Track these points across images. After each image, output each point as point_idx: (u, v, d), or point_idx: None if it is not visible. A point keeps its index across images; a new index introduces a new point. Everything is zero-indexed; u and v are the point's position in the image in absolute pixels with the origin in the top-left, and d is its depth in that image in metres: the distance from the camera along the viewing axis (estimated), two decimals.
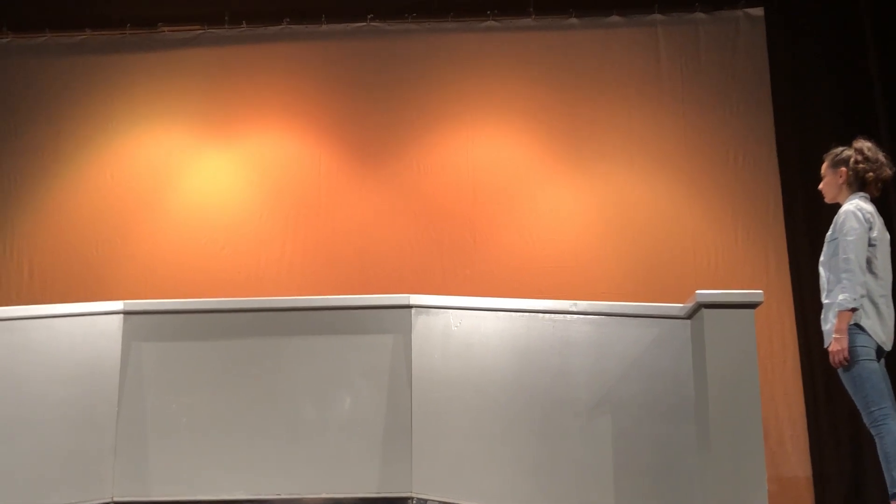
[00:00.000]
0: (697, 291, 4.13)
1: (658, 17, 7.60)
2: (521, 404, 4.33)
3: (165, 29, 7.83)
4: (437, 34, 7.72)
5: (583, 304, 4.40)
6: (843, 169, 4.91)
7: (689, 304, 4.13)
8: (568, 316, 4.35)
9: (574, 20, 7.67)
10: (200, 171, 7.68)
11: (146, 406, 4.25)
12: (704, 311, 4.03)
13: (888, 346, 4.71)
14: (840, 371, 4.64)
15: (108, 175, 7.69)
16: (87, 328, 4.33)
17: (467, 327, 4.45)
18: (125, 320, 4.33)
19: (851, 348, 4.53)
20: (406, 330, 4.42)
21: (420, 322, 4.43)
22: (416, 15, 7.71)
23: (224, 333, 4.30)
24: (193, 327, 4.31)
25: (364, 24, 7.76)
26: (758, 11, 7.55)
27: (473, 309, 4.49)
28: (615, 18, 7.65)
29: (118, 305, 4.35)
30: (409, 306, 4.47)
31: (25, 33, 7.93)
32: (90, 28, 7.90)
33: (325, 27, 7.76)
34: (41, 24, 7.92)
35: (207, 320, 4.32)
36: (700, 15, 7.60)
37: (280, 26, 7.78)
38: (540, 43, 7.66)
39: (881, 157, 4.92)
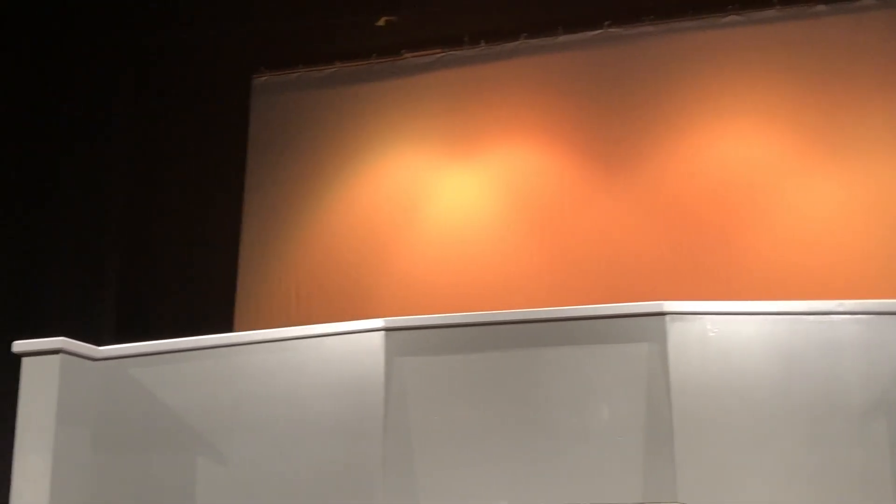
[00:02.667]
0: None
1: None
2: (787, 410, 4.15)
3: (408, 55, 8.11)
4: (676, 34, 7.58)
5: (850, 304, 4.18)
6: None
7: None
8: (834, 317, 4.14)
9: (821, 7, 7.33)
10: (448, 189, 7.88)
11: (410, 420, 4.38)
12: None
13: None
14: None
15: (363, 200, 8.03)
16: (352, 346, 4.50)
17: (725, 332, 4.32)
18: (386, 337, 4.46)
19: None
20: (661, 338, 4.34)
21: (675, 329, 4.35)
22: (653, 17, 7.60)
23: (482, 346, 4.37)
24: (452, 341, 4.40)
25: (601, 31, 7.73)
26: None
27: (731, 313, 4.36)
28: (867, 2, 7.23)
29: (379, 323, 4.49)
30: (663, 313, 4.39)
31: (280, 71, 8.42)
32: (339, 61, 8.29)
33: (561, 38, 7.79)
34: (294, 61, 8.38)
35: (465, 334, 4.40)
36: None
37: (517, 42, 7.88)
38: (785, 34, 7.36)
39: None
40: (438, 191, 7.92)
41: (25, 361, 4.35)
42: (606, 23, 7.70)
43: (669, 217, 7.34)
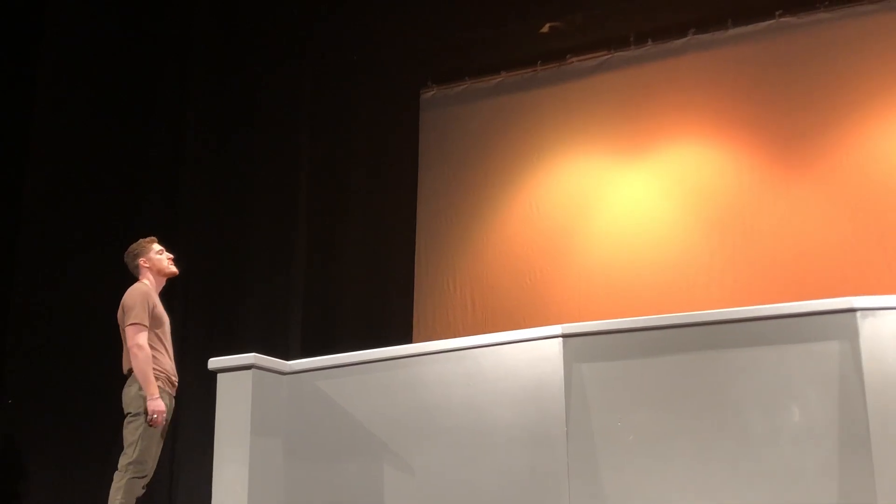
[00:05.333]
0: None
1: None
2: None
3: (574, 60, 8.08)
4: (854, 19, 7.26)
5: None
6: None
7: None
8: None
9: None
10: (620, 190, 7.80)
11: (593, 425, 4.35)
12: None
13: None
14: None
15: (532, 206, 8.05)
16: (530, 353, 4.50)
17: None
18: (564, 343, 4.44)
19: None
20: (852, 335, 4.16)
21: (867, 325, 4.16)
22: (828, 3, 7.30)
23: (662, 350, 4.30)
24: (632, 346, 4.35)
25: (773, 21, 7.49)
26: None
27: None
28: None
29: (556, 329, 4.48)
30: (854, 309, 4.20)
31: (447, 84, 8.54)
32: (504, 70, 8.34)
33: (731, 31, 7.60)
34: (461, 74, 8.48)
35: (645, 338, 4.34)
36: None
37: (686, 38, 7.73)
38: None
39: None
40: (611, 194, 7.85)
41: (220, 377, 4.55)
42: (778, 12, 7.45)
43: (854, 210, 7.03)
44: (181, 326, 5.49)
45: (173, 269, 5.43)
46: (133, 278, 5.39)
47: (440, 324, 8.07)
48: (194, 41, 8.09)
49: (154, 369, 5.09)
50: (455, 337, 4.96)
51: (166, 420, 5.11)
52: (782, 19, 7.47)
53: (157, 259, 5.38)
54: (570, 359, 4.40)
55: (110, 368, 5.37)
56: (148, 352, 5.08)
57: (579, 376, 4.39)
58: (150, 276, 5.36)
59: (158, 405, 5.02)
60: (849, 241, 6.98)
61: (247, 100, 8.21)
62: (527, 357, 4.47)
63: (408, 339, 7.91)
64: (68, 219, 7.42)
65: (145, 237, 5.46)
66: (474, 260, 8.14)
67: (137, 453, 5.00)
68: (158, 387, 5.06)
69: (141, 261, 5.37)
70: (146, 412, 5.01)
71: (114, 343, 5.29)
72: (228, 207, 8.10)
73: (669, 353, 4.30)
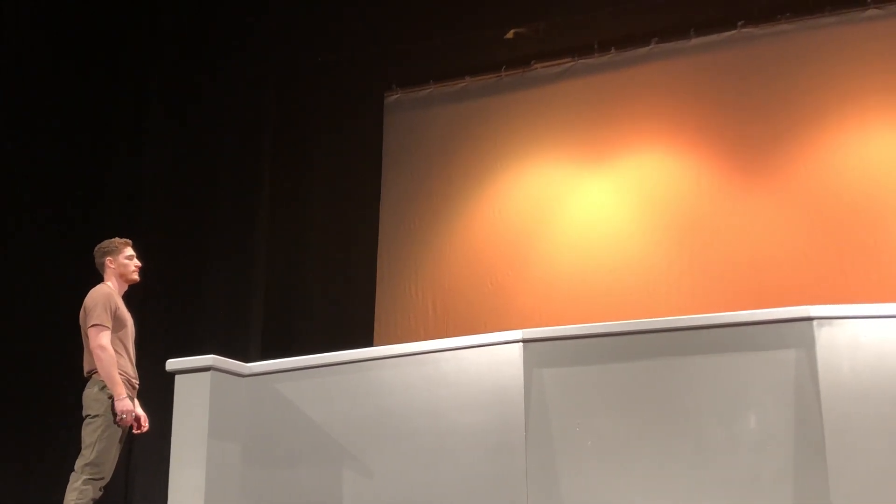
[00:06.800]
0: None
1: None
2: None
3: (538, 66, 8.11)
4: (814, 31, 7.35)
5: None
6: None
7: None
8: None
9: None
10: (581, 197, 7.84)
11: (552, 430, 4.36)
12: None
13: None
14: None
15: (494, 211, 8.07)
16: (491, 357, 4.51)
17: (878, 337, 4.16)
18: (524, 348, 4.46)
19: None
20: (809, 343, 4.21)
21: (823, 334, 4.21)
22: (789, 14, 7.39)
23: (621, 356, 4.33)
24: (591, 351, 4.37)
25: (734, 31, 7.56)
26: None
27: (883, 317, 4.19)
28: None
29: (517, 335, 4.50)
30: (810, 318, 4.25)
31: (412, 88, 8.54)
32: (469, 75, 8.36)
33: (694, 41, 7.66)
34: (425, 78, 8.49)
35: (604, 344, 4.36)
36: None
37: (649, 47, 7.79)
38: None
39: None
40: (573, 200, 7.88)
41: (178, 379, 4.52)
42: (740, 23, 7.53)
43: (812, 219, 7.12)
44: (140, 327, 5.44)
45: (136, 277, 5.39)
46: (98, 275, 5.34)
47: (401, 328, 8.06)
48: (157, 43, 8.06)
49: None
50: (416, 341, 4.95)
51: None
52: (744, 30, 7.55)
53: (124, 263, 5.34)
54: (530, 364, 4.42)
55: (72, 369, 5.32)
56: (111, 352, 5.03)
57: (539, 381, 4.41)
58: (114, 279, 5.32)
59: (126, 405, 4.98)
60: (806, 250, 7.07)
61: (209, 101, 8.18)
62: (487, 362, 4.48)
63: (369, 342, 7.89)
64: (28, 219, 7.35)
65: (121, 237, 5.42)
66: (436, 264, 8.15)
67: (95, 455, 4.96)
68: None
69: (108, 260, 5.33)
70: (113, 413, 4.97)
71: (77, 343, 5.24)
72: (189, 208, 8.05)
73: (628, 360, 4.32)
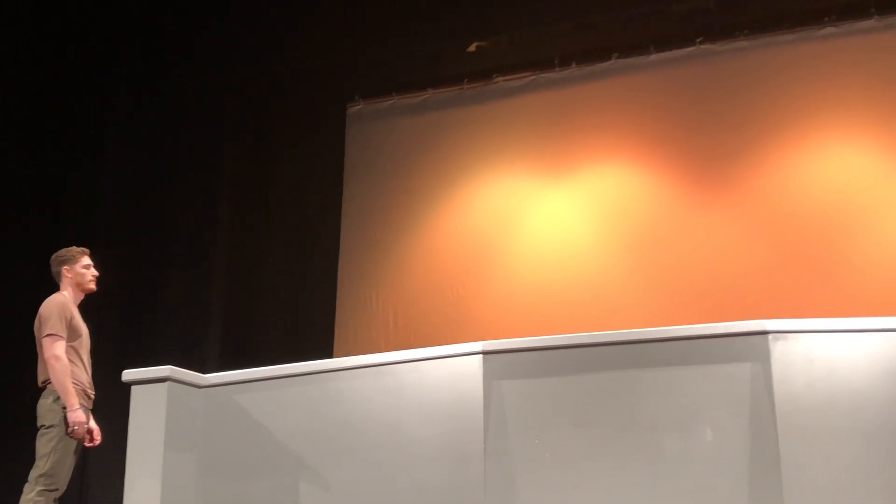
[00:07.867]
0: None
1: None
2: None
3: (500, 79, 8.15)
4: (772, 48, 7.45)
5: None
6: None
7: None
8: None
9: None
10: (542, 209, 7.88)
11: (510, 442, 4.37)
12: None
13: None
14: None
15: (456, 223, 8.08)
16: (450, 369, 4.52)
17: (832, 350, 4.22)
18: (484, 360, 4.47)
19: None
20: (764, 357, 4.25)
21: (778, 348, 4.26)
22: (747, 31, 7.49)
23: (581, 368, 4.35)
24: (550, 363, 4.39)
25: (693, 48, 7.65)
26: None
27: (837, 331, 4.25)
28: None
29: (477, 346, 4.51)
30: (766, 332, 4.30)
31: (374, 99, 8.55)
32: (431, 87, 8.38)
33: (653, 57, 7.74)
34: (388, 89, 8.50)
35: (564, 356, 4.38)
36: None
37: (609, 62, 7.85)
38: (885, 43, 7.17)
39: None
40: (533, 213, 7.92)
41: (134, 390, 4.48)
42: (699, 39, 7.62)
43: (769, 234, 7.20)
44: (96, 337, 5.39)
45: (92, 287, 5.34)
46: (54, 284, 5.28)
47: (362, 339, 8.04)
48: (117, 52, 8.01)
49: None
50: (376, 352, 4.94)
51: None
52: (703, 46, 7.63)
53: (81, 273, 5.28)
54: (489, 376, 4.43)
55: (27, 379, 5.25)
56: (66, 362, 4.98)
57: (499, 393, 4.42)
58: (70, 288, 5.26)
59: (79, 416, 4.93)
60: (764, 264, 7.14)
61: (169, 111, 8.13)
62: (447, 373, 4.49)
63: (328, 353, 7.86)
64: None
65: (78, 246, 5.36)
66: (397, 275, 8.15)
67: (49, 466, 4.90)
68: None
69: (64, 269, 5.27)
70: (66, 423, 4.91)
71: (32, 353, 5.18)
72: (148, 217, 8.00)
73: (587, 372, 4.35)
